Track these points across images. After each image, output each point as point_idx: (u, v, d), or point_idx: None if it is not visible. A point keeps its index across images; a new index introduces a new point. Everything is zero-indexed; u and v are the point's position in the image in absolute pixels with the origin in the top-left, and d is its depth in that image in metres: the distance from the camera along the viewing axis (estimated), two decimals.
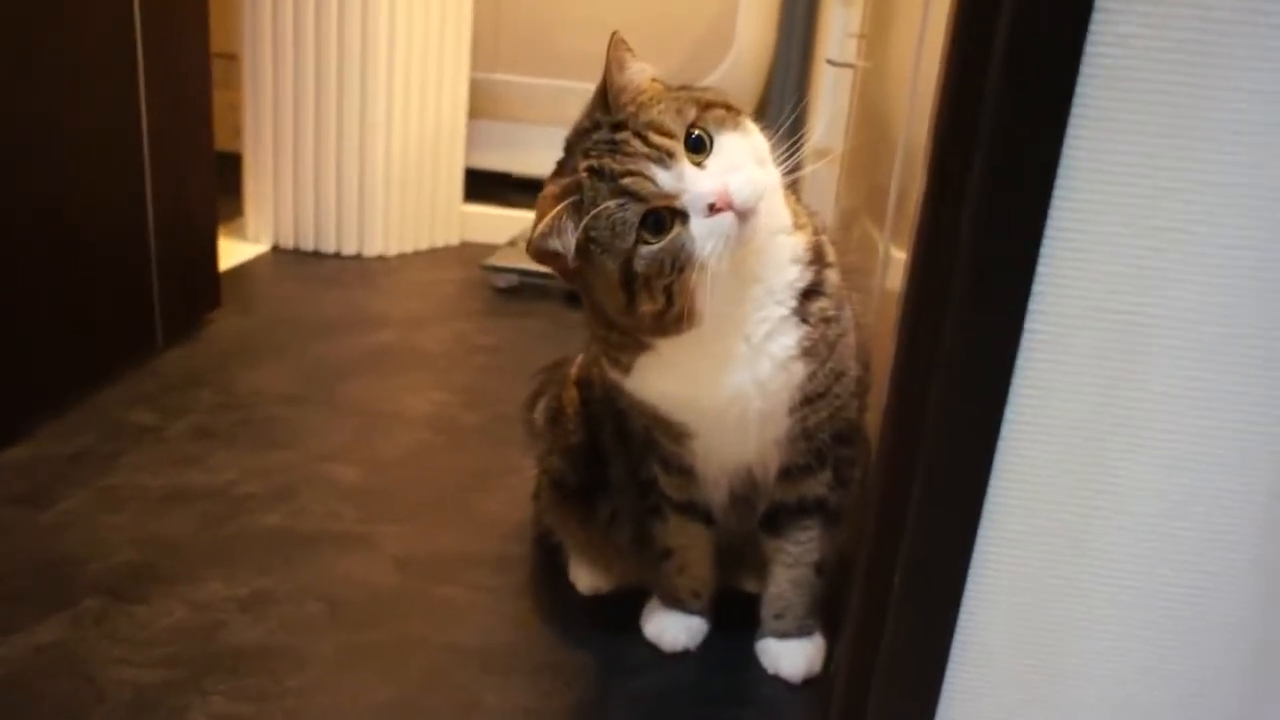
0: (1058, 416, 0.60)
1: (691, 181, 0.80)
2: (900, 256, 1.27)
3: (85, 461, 1.34)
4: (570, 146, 0.87)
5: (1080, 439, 0.60)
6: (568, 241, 0.82)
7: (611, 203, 0.80)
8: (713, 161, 0.82)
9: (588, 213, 0.81)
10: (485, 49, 2.57)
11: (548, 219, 0.82)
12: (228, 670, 0.98)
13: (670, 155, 0.80)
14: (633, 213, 0.80)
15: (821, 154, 2.02)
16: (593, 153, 0.83)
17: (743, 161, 0.82)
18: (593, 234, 0.81)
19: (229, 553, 1.17)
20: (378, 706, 0.95)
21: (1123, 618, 0.63)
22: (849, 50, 1.91)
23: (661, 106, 0.83)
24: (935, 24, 1.15)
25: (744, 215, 0.80)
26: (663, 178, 0.80)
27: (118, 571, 1.11)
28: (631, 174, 0.80)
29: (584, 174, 0.82)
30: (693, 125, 0.82)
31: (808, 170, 0.89)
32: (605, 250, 0.81)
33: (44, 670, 0.96)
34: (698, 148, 0.82)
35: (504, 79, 2.63)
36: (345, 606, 1.09)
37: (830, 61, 1.92)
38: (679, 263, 0.80)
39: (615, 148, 0.82)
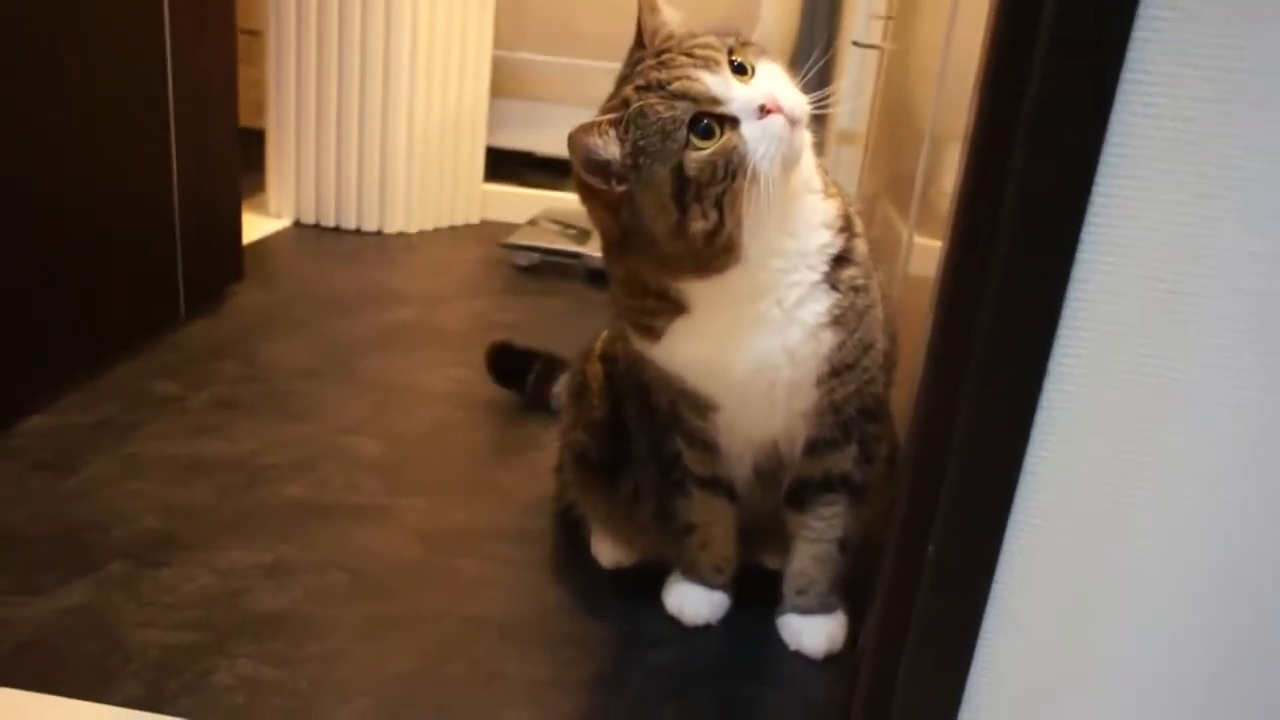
0: (1097, 387, 0.59)
1: (739, 89, 0.81)
2: (925, 243, 1.26)
3: (108, 430, 1.35)
4: (612, 95, 0.87)
5: (1119, 411, 0.59)
6: (610, 147, 0.82)
7: (660, 104, 0.80)
8: (756, 80, 0.83)
9: (635, 123, 0.81)
10: (508, 28, 2.56)
11: (589, 122, 0.82)
12: (252, 635, 0.98)
13: (716, 63, 0.82)
14: (682, 111, 0.80)
15: (846, 137, 2.01)
16: (637, 77, 0.84)
17: (785, 82, 0.84)
18: (641, 143, 0.81)
19: (251, 521, 1.18)
20: (399, 675, 0.95)
21: (1156, 593, 0.62)
22: (875, 32, 1.89)
23: (702, 36, 0.85)
24: (968, 4, 1.14)
25: (794, 121, 0.81)
26: (711, 80, 0.80)
27: (141, 537, 1.12)
28: (679, 79, 0.81)
29: (631, 92, 0.83)
30: (732, 52, 0.83)
31: (836, 109, 0.89)
32: (655, 158, 0.81)
33: (71, 632, 0.96)
34: (740, 72, 0.83)
35: (527, 58, 2.62)
36: (367, 577, 1.10)
37: (856, 43, 1.91)
38: (732, 167, 0.80)
39: (662, 65, 0.83)
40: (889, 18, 1.81)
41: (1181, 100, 0.54)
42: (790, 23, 2.36)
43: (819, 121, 0.87)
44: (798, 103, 0.82)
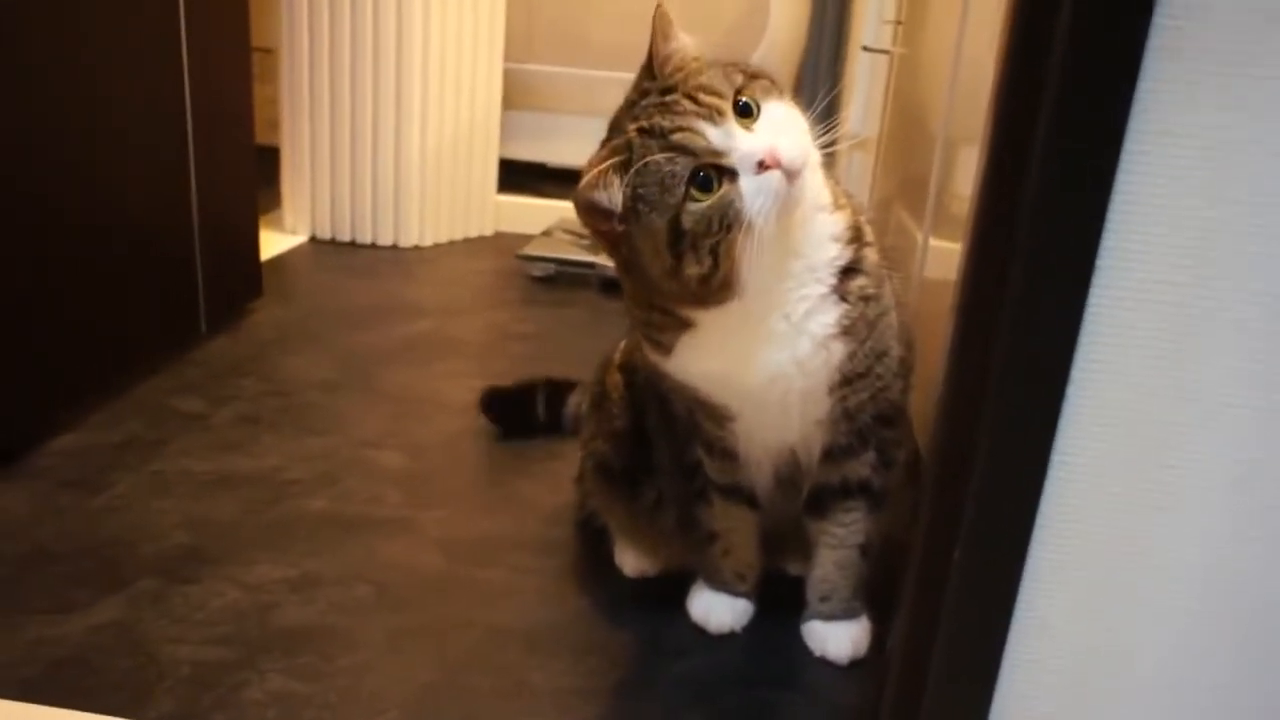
0: (1121, 390, 0.59)
1: (741, 140, 0.81)
2: (940, 245, 1.27)
3: (134, 448, 1.36)
4: (617, 121, 0.88)
5: (1143, 413, 0.59)
6: (614, 197, 0.83)
7: (661, 156, 0.81)
8: (760, 126, 0.83)
9: (637, 171, 0.81)
10: (518, 39, 2.58)
11: (594, 172, 0.83)
12: (282, 650, 0.99)
13: (720, 113, 0.82)
14: (682, 166, 0.81)
15: (857, 143, 2.01)
16: (641, 116, 0.84)
17: (789, 127, 0.84)
18: (640, 191, 0.82)
19: (277, 536, 1.19)
20: (427, 686, 0.96)
21: (1184, 594, 0.63)
22: (885, 36, 1.90)
23: (710, 73, 0.84)
24: (978, 8, 1.14)
25: (792, 175, 0.81)
26: (713, 134, 0.81)
27: (170, 554, 1.13)
28: (682, 130, 0.81)
29: (633, 134, 0.83)
30: (739, 91, 0.83)
31: (843, 146, 0.89)
32: (653, 208, 0.82)
33: (104, 649, 0.97)
34: (745, 113, 0.83)
35: (538, 69, 2.63)
36: (392, 589, 1.11)
37: (866, 48, 1.91)
38: (727, 220, 0.81)
39: (665, 108, 0.83)
40: (898, 22, 1.82)
41: (1200, 103, 0.54)
42: (799, 29, 2.37)
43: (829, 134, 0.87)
44: (798, 155, 0.81)
